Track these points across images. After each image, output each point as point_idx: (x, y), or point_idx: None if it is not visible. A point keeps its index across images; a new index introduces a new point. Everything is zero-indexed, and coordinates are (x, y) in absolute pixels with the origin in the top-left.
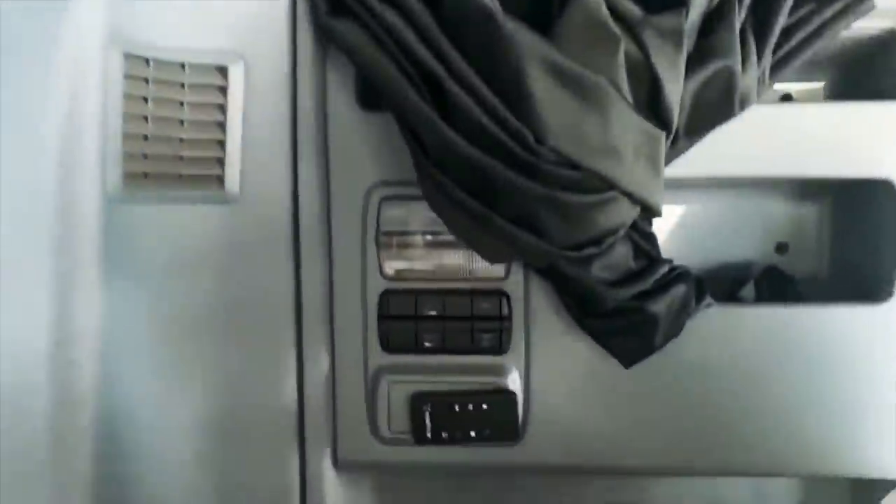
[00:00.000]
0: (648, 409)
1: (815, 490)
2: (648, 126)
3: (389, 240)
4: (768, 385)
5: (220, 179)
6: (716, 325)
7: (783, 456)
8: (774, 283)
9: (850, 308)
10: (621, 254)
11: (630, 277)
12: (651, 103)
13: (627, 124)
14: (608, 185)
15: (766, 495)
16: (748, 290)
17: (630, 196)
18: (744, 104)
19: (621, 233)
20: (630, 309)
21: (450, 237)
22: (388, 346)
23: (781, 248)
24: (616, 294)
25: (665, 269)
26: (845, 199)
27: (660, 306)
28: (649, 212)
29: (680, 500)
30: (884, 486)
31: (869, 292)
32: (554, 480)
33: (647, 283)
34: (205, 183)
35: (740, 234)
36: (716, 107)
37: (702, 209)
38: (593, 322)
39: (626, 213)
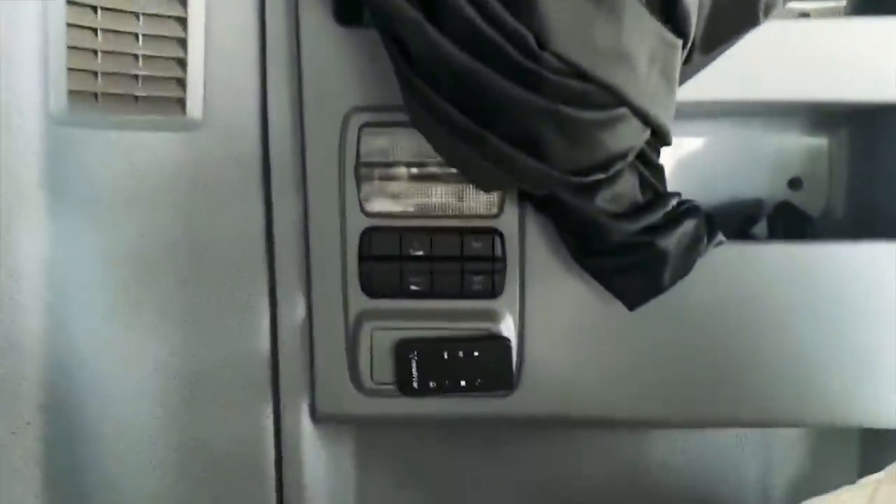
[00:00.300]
0: (651, 357)
1: (823, 443)
2: (665, 32)
3: (371, 172)
4: (780, 329)
5: (181, 103)
6: (726, 264)
7: (794, 406)
8: (788, 221)
9: (869, 246)
10: (628, 184)
11: (637, 210)
12: (666, 7)
13: (642, 28)
14: (618, 100)
15: (771, 449)
16: (761, 228)
17: (641, 115)
18: (768, 10)
19: (630, 158)
20: (637, 244)
21: (437, 170)
22: (370, 289)
23: (795, 183)
24: (623, 227)
25: (674, 202)
26: (864, 129)
27: (669, 242)
28: (659, 136)
29: (681, 453)
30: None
31: (889, 230)
32: (549, 433)
33: (656, 217)
34: (163, 106)
35: (751, 169)
36: (737, 13)
37: (710, 142)
38: (596, 260)
39: (635, 135)
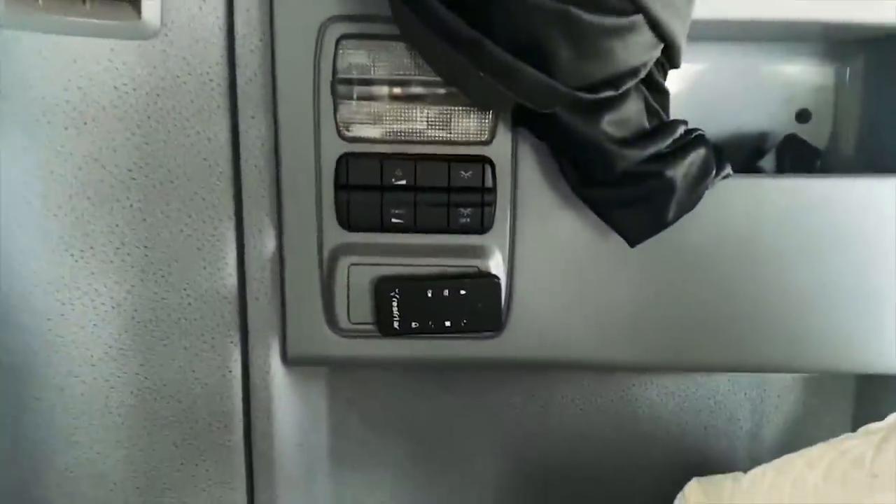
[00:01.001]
0: (646, 298)
1: (817, 392)
2: None
3: (349, 90)
4: (783, 269)
5: (136, 6)
6: (731, 198)
7: (792, 350)
8: (796, 154)
9: (878, 181)
10: (634, 108)
11: (644, 136)
12: None
13: None
14: (635, 5)
15: (764, 397)
16: (768, 161)
17: (656, 25)
18: None
19: (641, 74)
20: (644, 174)
21: (422, 90)
22: (347, 222)
23: (802, 115)
24: (629, 154)
25: (682, 130)
26: (878, 59)
27: (677, 172)
28: (670, 54)
29: (671, 399)
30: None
31: None
32: (532, 377)
33: (664, 144)
34: (116, 10)
35: (757, 100)
36: None
37: (715, 69)
38: (597, 191)
39: (647, 49)
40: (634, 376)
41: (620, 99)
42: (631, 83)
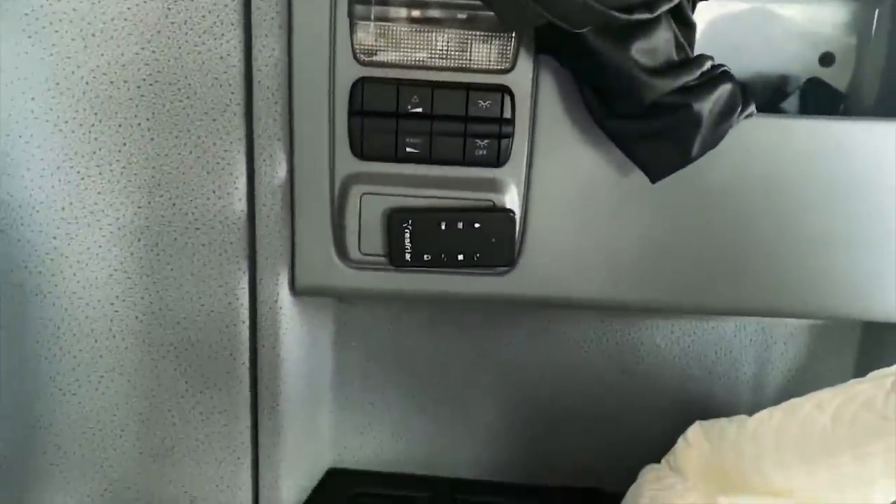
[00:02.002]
0: (663, 236)
1: (822, 339)
2: None
3: (367, 10)
4: (802, 211)
5: None
6: (753, 138)
7: (805, 294)
8: (819, 97)
9: None
10: (664, 38)
11: (673, 67)
12: None
13: None
14: None
15: (769, 342)
16: (790, 104)
17: None
18: None
19: (675, 0)
20: (671, 106)
21: (441, 13)
22: (360, 150)
23: (826, 59)
24: (658, 84)
25: (709, 64)
26: None
27: (705, 106)
28: None
29: (676, 343)
30: None
31: None
32: (538, 316)
33: (693, 77)
34: None
35: (780, 42)
36: None
37: (738, 9)
38: (621, 123)
39: None
40: (640, 320)
41: (651, 26)
42: (666, 6)
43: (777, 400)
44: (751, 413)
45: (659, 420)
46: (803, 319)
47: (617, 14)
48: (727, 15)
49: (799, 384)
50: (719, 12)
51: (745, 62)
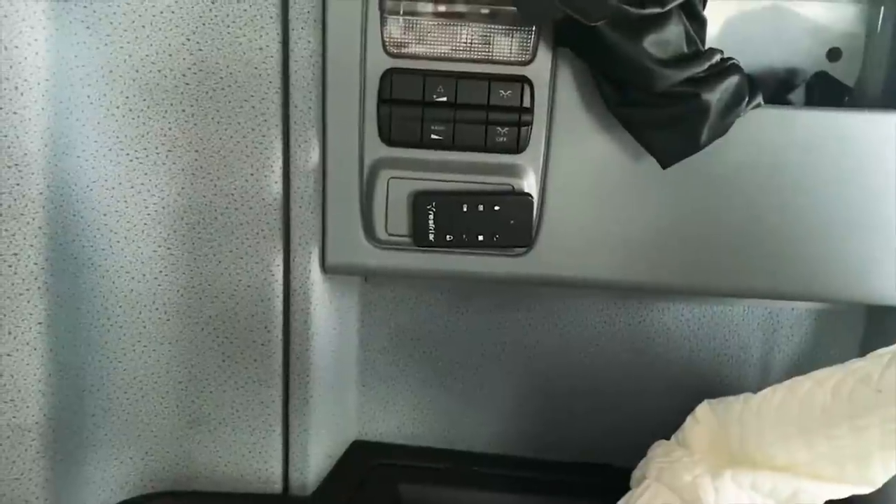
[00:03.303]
0: (674, 221)
1: (828, 324)
2: None
3: (396, 5)
4: (807, 199)
5: None
6: (761, 128)
7: (811, 279)
8: (825, 90)
9: None
10: (675, 32)
11: (683, 59)
12: None
13: None
14: None
15: (777, 326)
16: (798, 96)
17: None
18: None
19: None
20: (681, 95)
21: (466, 7)
22: (388, 136)
23: (834, 53)
24: (669, 74)
25: (718, 57)
26: None
27: (713, 96)
28: None
29: (685, 325)
30: None
31: None
32: (554, 298)
33: (702, 68)
34: None
35: (788, 36)
36: None
37: (746, 5)
38: (634, 110)
39: None
40: (652, 302)
41: (663, 20)
42: (676, 1)
43: (784, 380)
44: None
45: (669, 399)
46: (809, 304)
47: (629, 8)
48: (739, 11)
49: (804, 367)
50: (732, 8)
51: (756, 56)
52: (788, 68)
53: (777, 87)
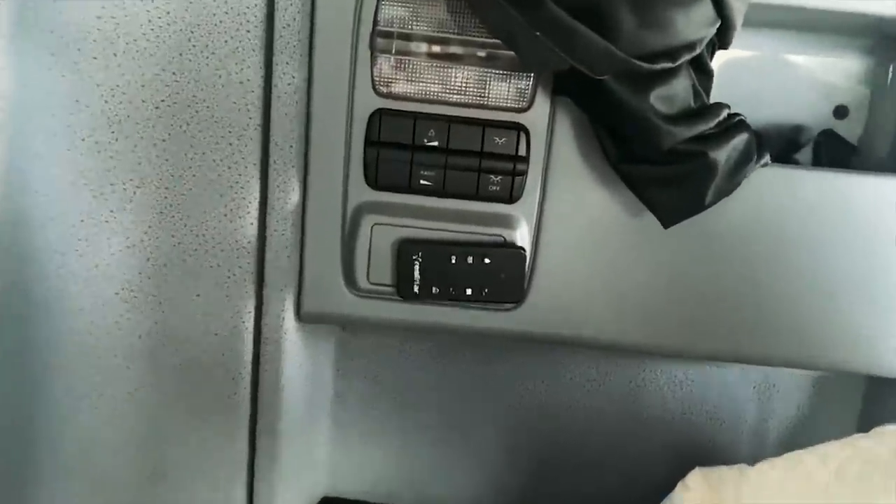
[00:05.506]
0: (670, 281)
1: (827, 389)
2: None
3: (388, 44)
4: (811, 263)
5: None
6: (768, 187)
7: (811, 346)
8: (831, 149)
9: None
10: (682, 86)
11: (691, 115)
12: None
13: None
14: None
15: (772, 391)
16: (804, 154)
17: (719, 1)
18: None
19: (697, 51)
20: (687, 153)
21: (461, 50)
22: (374, 180)
23: (840, 111)
24: (676, 131)
25: (725, 113)
26: None
27: (720, 154)
28: (724, 32)
29: (679, 387)
30: None
31: None
32: (541, 355)
33: (709, 125)
34: None
35: (795, 93)
36: None
37: (754, 58)
38: (636, 167)
39: (706, 25)
40: (644, 362)
41: (671, 74)
42: (687, 57)
43: (778, 449)
44: (751, 461)
45: (659, 463)
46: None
47: (640, 63)
48: (744, 62)
49: (801, 435)
50: (737, 61)
51: (761, 111)
52: (794, 125)
53: (783, 145)
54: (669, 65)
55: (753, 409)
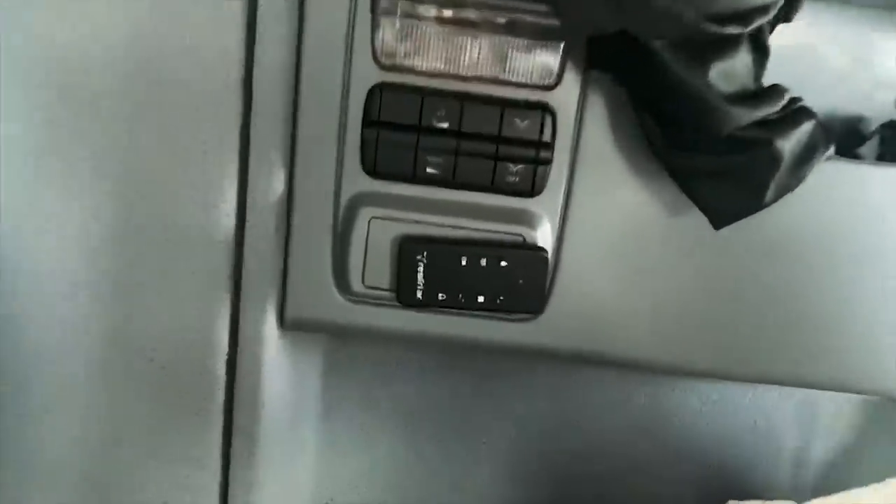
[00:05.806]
0: (713, 291)
1: (876, 414)
2: None
3: (392, 5)
4: (879, 274)
5: None
6: (828, 185)
7: (869, 370)
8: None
9: None
10: (743, 62)
11: (752, 97)
12: None
13: None
14: None
15: (815, 414)
16: (869, 148)
17: None
18: None
19: (770, 15)
20: (750, 141)
21: (478, 15)
22: (373, 166)
23: None
24: (738, 114)
25: (787, 97)
26: None
27: (786, 143)
28: (792, 2)
29: (711, 406)
30: None
31: None
32: (556, 368)
33: (774, 109)
34: None
35: (855, 80)
36: None
37: (812, 43)
38: (687, 157)
39: None
40: (674, 380)
41: (733, 46)
42: (760, 22)
43: (820, 479)
44: (792, 492)
45: (688, 494)
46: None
47: (709, 25)
48: (805, 37)
49: (845, 465)
50: (796, 32)
51: (816, 98)
52: (854, 115)
53: (843, 137)
54: (741, 30)
55: (793, 435)
